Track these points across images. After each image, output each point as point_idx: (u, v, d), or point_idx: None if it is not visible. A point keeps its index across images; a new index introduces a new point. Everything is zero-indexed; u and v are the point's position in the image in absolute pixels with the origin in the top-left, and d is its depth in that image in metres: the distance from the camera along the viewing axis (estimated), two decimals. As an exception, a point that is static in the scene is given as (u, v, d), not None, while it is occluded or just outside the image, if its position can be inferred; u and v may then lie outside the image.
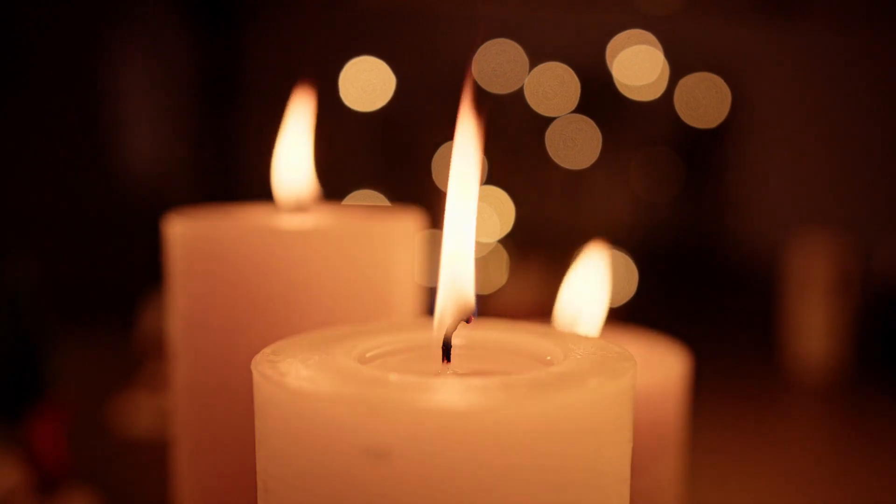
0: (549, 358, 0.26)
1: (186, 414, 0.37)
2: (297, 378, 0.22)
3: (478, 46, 1.58)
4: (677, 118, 1.87)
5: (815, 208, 1.84)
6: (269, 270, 0.35)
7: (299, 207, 0.40)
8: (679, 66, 1.83)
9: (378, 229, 0.37)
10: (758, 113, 1.90)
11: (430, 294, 0.27)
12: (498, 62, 1.81)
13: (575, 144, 1.83)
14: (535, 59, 1.82)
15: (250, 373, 0.24)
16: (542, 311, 0.39)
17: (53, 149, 1.65)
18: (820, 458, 0.91)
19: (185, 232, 0.37)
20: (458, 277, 0.26)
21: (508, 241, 1.71)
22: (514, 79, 1.83)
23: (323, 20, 1.90)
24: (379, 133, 1.89)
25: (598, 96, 1.83)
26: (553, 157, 1.84)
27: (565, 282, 0.39)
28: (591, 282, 0.38)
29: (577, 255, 0.39)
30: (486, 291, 1.55)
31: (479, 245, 0.26)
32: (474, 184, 0.25)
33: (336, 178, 0.42)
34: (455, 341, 0.26)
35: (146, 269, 0.76)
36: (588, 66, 1.83)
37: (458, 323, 0.26)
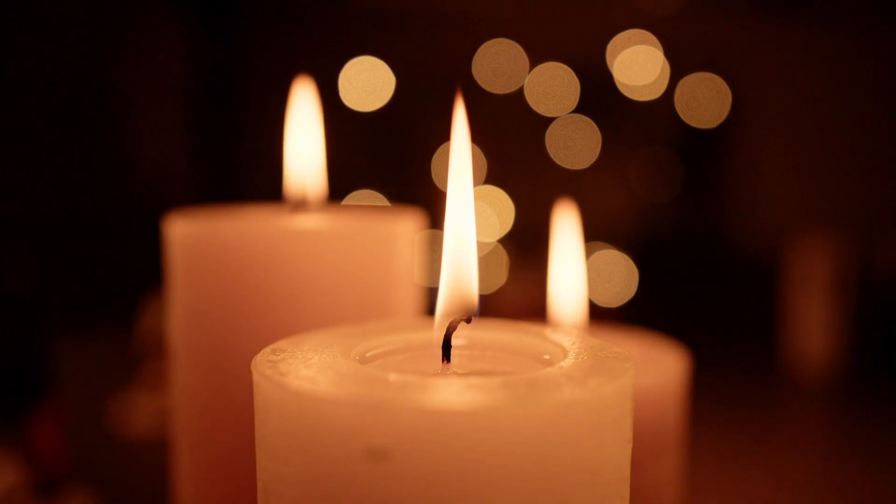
0: (548, 358, 0.26)
1: (186, 414, 0.37)
2: (297, 378, 0.22)
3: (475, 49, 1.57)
4: (677, 118, 1.87)
5: (815, 208, 1.84)
6: (269, 270, 0.35)
7: (302, 206, 0.40)
8: (679, 66, 1.83)
9: (378, 229, 0.37)
10: (758, 113, 1.90)
11: (431, 294, 0.27)
12: (498, 62, 1.81)
13: (575, 144, 1.83)
14: (535, 59, 1.82)
15: (250, 373, 0.24)
16: (542, 310, 0.39)
17: (54, 149, 1.65)
18: (819, 458, 0.91)
19: (185, 232, 0.37)
20: (461, 276, 0.26)
21: (508, 241, 1.71)
22: (514, 79, 1.82)
23: (323, 20, 1.90)
24: (379, 133, 1.89)
25: (598, 96, 1.83)
26: (553, 157, 1.84)
27: (549, 274, 0.39)
28: (568, 267, 0.39)
29: (550, 247, 0.39)
30: (486, 291, 1.55)
31: (479, 245, 0.26)
32: (470, 182, 0.26)
33: (336, 178, 0.42)
34: (455, 341, 0.26)
35: (146, 270, 0.76)
36: (588, 66, 1.83)
37: (460, 322, 0.26)
